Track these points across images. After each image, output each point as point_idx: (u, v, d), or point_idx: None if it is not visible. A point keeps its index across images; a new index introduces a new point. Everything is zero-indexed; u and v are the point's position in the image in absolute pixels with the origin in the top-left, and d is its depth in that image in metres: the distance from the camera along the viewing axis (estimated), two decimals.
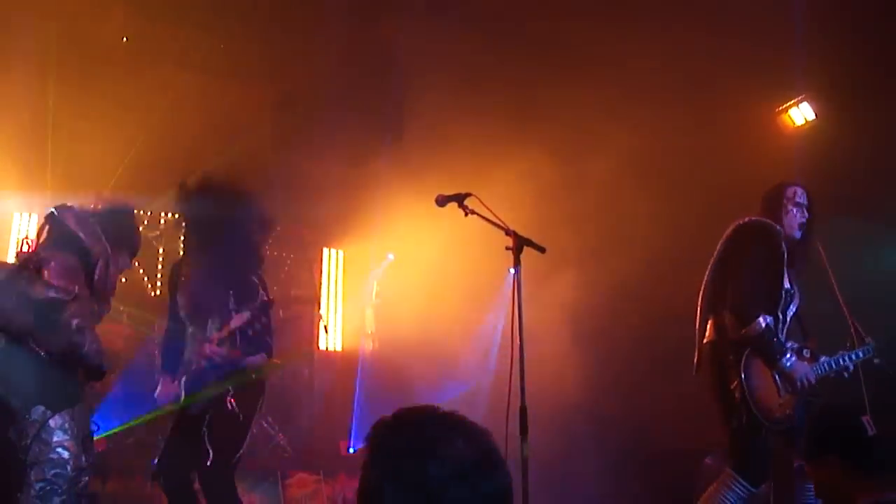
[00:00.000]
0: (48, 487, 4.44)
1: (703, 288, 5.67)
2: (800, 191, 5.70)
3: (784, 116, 9.23)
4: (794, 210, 5.64)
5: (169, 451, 5.53)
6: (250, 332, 5.51)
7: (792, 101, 9.11)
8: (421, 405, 2.10)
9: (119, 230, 5.14)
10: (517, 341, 4.44)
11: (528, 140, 8.53)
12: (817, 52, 8.12)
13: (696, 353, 5.65)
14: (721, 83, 8.42)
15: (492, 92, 8.82)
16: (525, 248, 4.68)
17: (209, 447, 5.34)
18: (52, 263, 4.67)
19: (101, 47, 8.58)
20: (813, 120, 9.05)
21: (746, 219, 5.64)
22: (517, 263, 4.65)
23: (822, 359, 5.53)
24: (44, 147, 8.26)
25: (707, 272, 5.66)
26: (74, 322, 4.60)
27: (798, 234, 5.62)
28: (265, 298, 5.58)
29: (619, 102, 8.48)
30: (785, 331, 5.54)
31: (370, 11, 8.82)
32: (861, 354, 5.56)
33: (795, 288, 5.59)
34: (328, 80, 9.04)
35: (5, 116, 7.92)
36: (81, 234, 4.79)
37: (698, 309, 5.67)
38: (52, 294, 4.57)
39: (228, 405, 5.43)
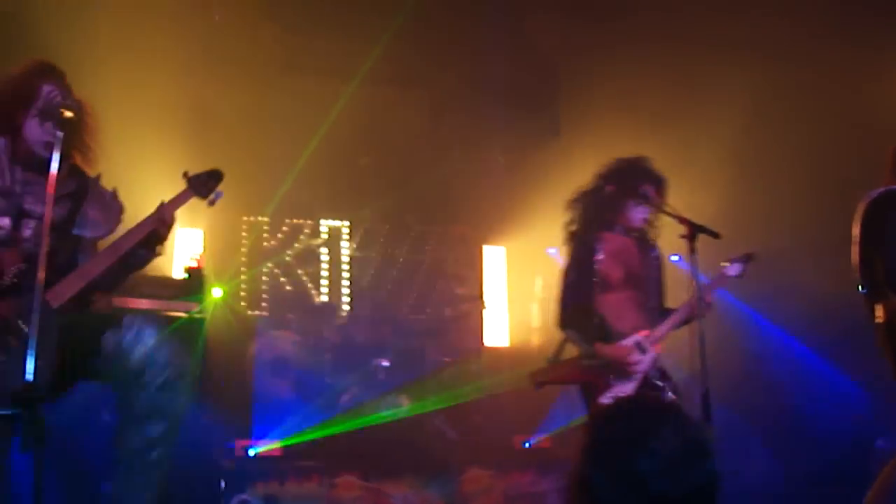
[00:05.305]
0: None
1: (857, 271, 5.49)
2: None
3: None
4: None
5: None
6: None
7: None
8: (640, 395, 2.15)
9: None
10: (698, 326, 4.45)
11: (687, 129, 8.49)
12: None
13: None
14: (867, 46, 8.20)
15: (645, 83, 8.81)
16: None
17: None
18: None
19: (253, 60, 8.86)
20: None
21: (875, 193, 5.38)
22: (692, 251, 4.66)
23: None
24: (203, 157, 8.52)
25: (854, 255, 5.45)
26: None
27: None
28: None
29: (763, 79, 8.40)
30: None
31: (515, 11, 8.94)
32: None
33: None
34: (482, 81, 9.15)
35: (162, 124, 8.08)
36: None
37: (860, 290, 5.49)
38: None
39: None
